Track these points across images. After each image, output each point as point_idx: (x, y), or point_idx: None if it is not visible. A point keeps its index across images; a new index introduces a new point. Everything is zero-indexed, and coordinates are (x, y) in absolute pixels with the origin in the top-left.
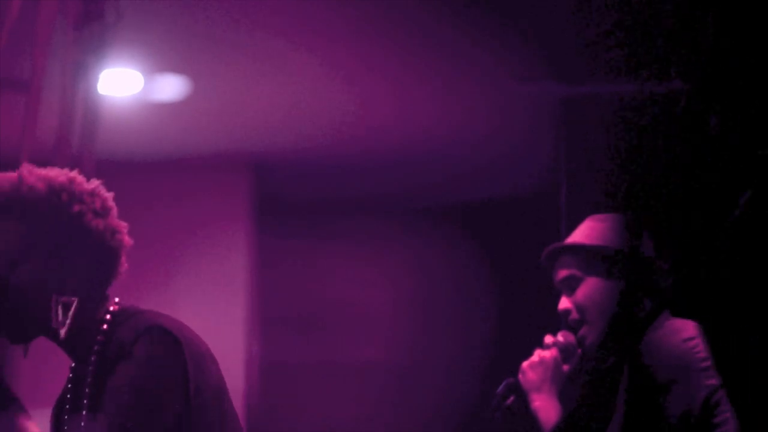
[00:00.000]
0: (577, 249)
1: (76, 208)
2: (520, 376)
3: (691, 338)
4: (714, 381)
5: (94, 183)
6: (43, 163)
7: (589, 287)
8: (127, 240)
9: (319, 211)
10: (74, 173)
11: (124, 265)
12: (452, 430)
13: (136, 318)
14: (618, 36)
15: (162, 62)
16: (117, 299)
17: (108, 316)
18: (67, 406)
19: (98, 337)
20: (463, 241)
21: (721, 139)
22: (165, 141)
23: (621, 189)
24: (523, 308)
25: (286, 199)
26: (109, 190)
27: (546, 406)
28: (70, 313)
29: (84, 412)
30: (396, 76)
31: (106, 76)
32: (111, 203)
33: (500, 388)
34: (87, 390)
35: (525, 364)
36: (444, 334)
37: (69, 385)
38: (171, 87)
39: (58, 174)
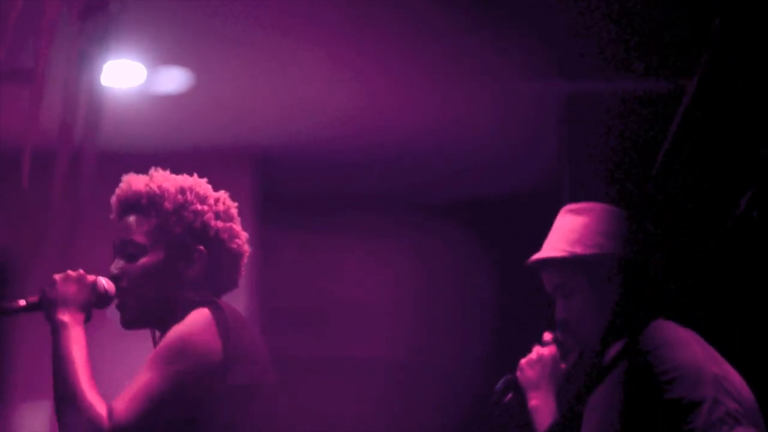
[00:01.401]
0: (555, 261)
1: (199, 206)
2: (518, 373)
3: (658, 347)
4: (677, 393)
5: (221, 192)
6: (47, 154)
7: (580, 293)
8: (246, 248)
9: (322, 206)
10: (203, 180)
11: (242, 274)
12: (454, 427)
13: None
14: (621, 33)
15: (165, 54)
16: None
17: None
18: None
19: None
20: (467, 238)
21: (723, 138)
22: (167, 133)
23: (623, 187)
24: (525, 305)
25: (290, 194)
26: (110, 182)
27: (542, 406)
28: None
29: None
30: (400, 71)
31: (108, 68)
32: (234, 212)
33: (499, 384)
34: None
35: (523, 361)
36: (446, 331)
37: None
38: (174, 79)
39: (186, 177)
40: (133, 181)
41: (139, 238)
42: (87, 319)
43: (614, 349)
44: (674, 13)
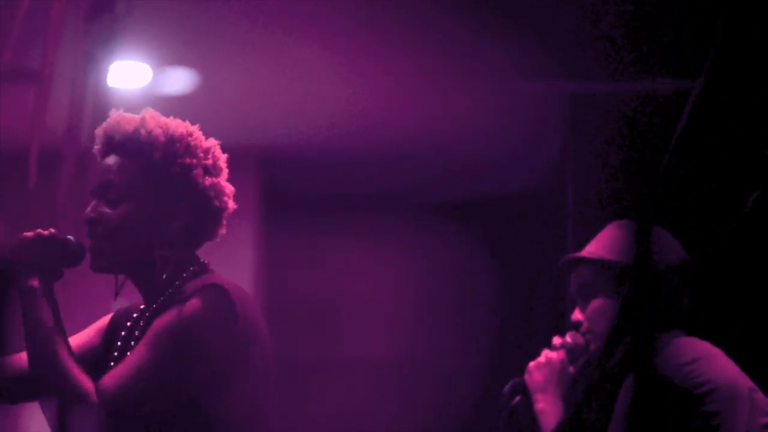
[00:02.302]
0: (590, 261)
1: (187, 160)
2: (526, 376)
3: (690, 362)
4: (713, 407)
5: (212, 142)
6: (52, 155)
7: (601, 300)
8: (231, 204)
9: (325, 206)
10: (194, 127)
11: (223, 228)
12: (457, 427)
13: (207, 277)
14: (624, 34)
15: (170, 55)
16: (206, 261)
17: (192, 267)
18: (115, 353)
19: (176, 283)
20: (469, 238)
21: (728, 139)
22: None
23: (627, 189)
24: (528, 305)
25: (293, 194)
26: None
27: (549, 409)
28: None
29: (115, 352)
30: (403, 71)
31: (114, 69)
32: (223, 164)
33: (506, 387)
34: (136, 332)
35: (532, 364)
36: (447, 330)
37: (122, 332)
38: (179, 80)
39: (178, 125)
40: (123, 121)
41: (122, 183)
42: (58, 278)
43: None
44: (678, 14)
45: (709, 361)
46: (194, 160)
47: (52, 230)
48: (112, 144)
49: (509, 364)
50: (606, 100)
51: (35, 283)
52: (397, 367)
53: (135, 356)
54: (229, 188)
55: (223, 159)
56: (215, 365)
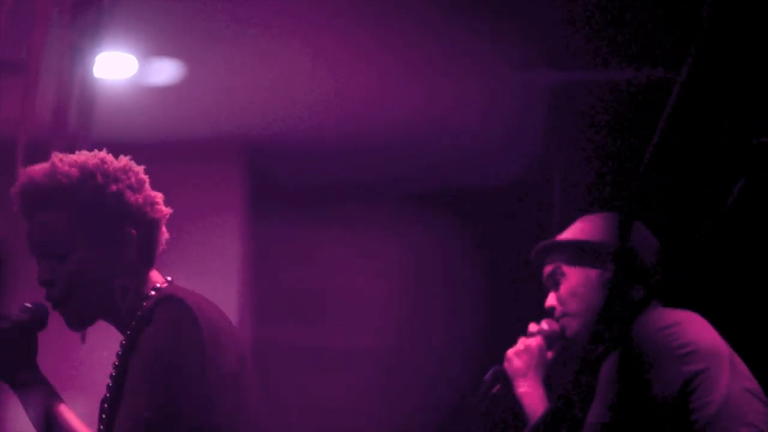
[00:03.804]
0: (562, 245)
1: (113, 187)
2: (505, 363)
3: (667, 327)
4: (693, 366)
5: (123, 160)
6: (40, 146)
7: (572, 280)
8: (166, 210)
9: (313, 197)
10: (103, 153)
11: (165, 234)
12: (445, 417)
13: (164, 291)
14: (609, 23)
15: (156, 46)
16: (169, 278)
17: (152, 292)
18: (107, 394)
19: (137, 313)
20: (456, 229)
21: (714, 127)
22: (159, 124)
23: (611, 177)
24: (515, 296)
25: (281, 185)
26: None
27: (530, 392)
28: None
29: (109, 384)
30: (388, 63)
31: (101, 60)
32: (143, 176)
33: (487, 375)
34: (116, 363)
35: (510, 351)
36: (436, 321)
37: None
38: (165, 71)
39: (88, 157)
40: (35, 175)
41: (61, 237)
42: (36, 348)
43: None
44: (662, 2)
45: (690, 324)
46: (119, 185)
47: (7, 318)
48: (33, 203)
49: (496, 355)
50: (590, 89)
51: (23, 377)
52: (386, 359)
53: (131, 407)
54: (158, 195)
55: (140, 171)
56: (197, 374)
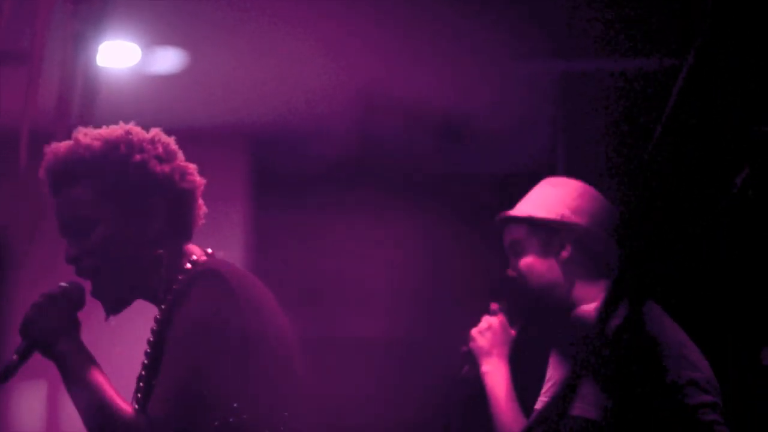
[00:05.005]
0: (520, 219)
1: (137, 157)
2: (471, 343)
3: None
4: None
5: (154, 131)
6: (43, 135)
7: (531, 257)
8: (200, 180)
9: (316, 185)
10: (130, 126)
11: (202, 207)
12: (450, 405)
13: (202, 265)
14: (615, 11)
15: (159, 35)
16: (209, 250)
17: (189, 266)
18: (142, 372)
19: (174, 287)
20: (462, 218)
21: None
22: (162, 113)
23: (618, 166)
24: None
25: (284, 173)
26: None
27: (493, 371)
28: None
29: (144, 361)
30: (393, 51)
31: (104, 49)
32: (174, 147)
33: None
34: (151, 339)
35: (474, 330)
36: (442, 309)
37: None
38: (168, 59)
39: (113, 129)
40: (58, 152)
41: (86, 211)
42: (78, 329)
43: (614, 322)
44: None
45: (676, 329)
46: (144, 155)
47: (43, 292)
48: (58, 180)
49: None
50: (597, 78)
51: (63, 347)
52: (391, 347)
53: (167, 376)
54: (191, 166)
55: (171, 142)
56: (234, 350)
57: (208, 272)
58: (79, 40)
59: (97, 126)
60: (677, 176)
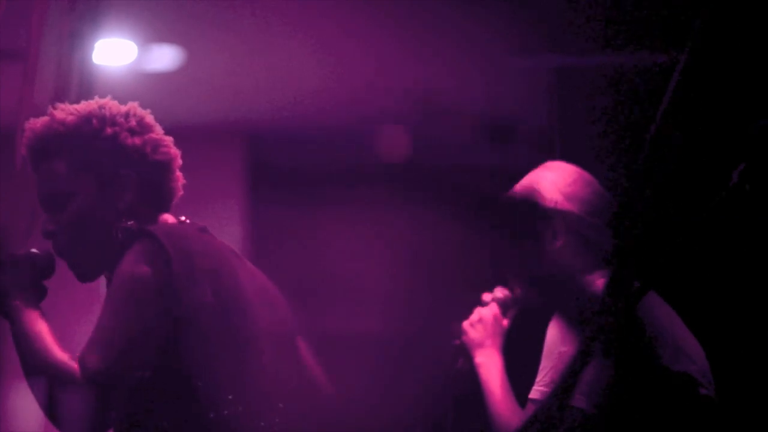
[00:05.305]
0: (514, 204)
1: (109, 130)
2: (463, 337)
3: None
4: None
5: (129, 105)
6: None
7: (524, 241)
8: (174, 151)
9: (313, 182)
10: (105, 100)
11: (180, 179)
12: (447, 403)
13: (143, 228)
14: (611, 5)
15: (155, 32)
16: (183, 218)
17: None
18: None
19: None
20: (458, 212)
21: (715, 111)
22: (158, 111)
23: (614, 161)
24: None
25: (281, 170)
26: None
27: (486, 362)
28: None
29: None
30: (388, 47)
31: (100, 46)
32: (149, 120)
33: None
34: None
35: (465, 323)
36: (439, 304)
37: None
38: (164, 57)
39: (87, 104)
40: (36, 127)
41: (60, 184)
42: (42, 296)
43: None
44: None
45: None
46: (116, 128)
47: (10, 252)
48: (36, 155)
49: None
50: (594, 73)
51: (16, 302)
52: (388, 342)
53: (100, 323)
54: (166, 138)
55: (147, 115)
56: (168, 309)
57: (141, 232)
58: (75, 38)
59: None
60: (674, 171)
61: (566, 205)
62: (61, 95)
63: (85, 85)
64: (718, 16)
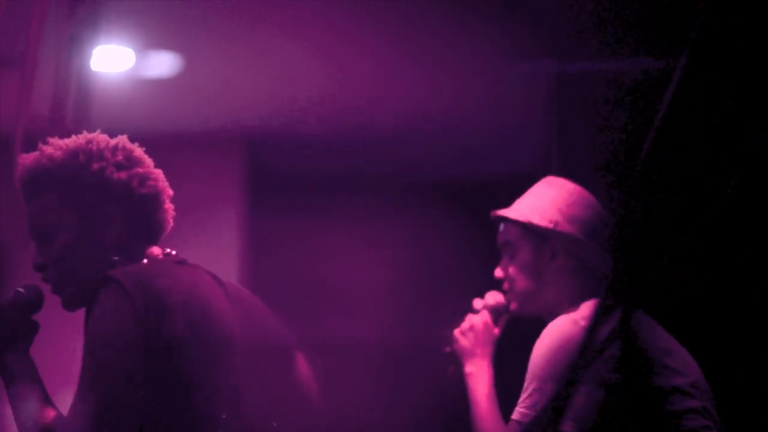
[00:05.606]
0: (515, 222)
1: (95, 165)
2: (454, 344)
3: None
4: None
5: (118, 138)
6: (37, 140)
7: (522, 257)
8: (162, 185)
9: (312, 189)
10: (94, 134)
11: (169, 211)
12: (447, 410)
13: (111, 272)
14: (610, 11)
15: (154, 39)
16: (168, 250)
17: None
18: None
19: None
20: (457, 220)
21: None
22: (157, 117)
23: (613, 169)
24: None
25: (280, 177)
26: None
27: (476, 371)
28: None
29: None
30: (388, 54)
31: (98, 53)
32: (138, 154)
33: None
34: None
35: (456, 331)
36: (438, 314)
37: None
38: (163, 64)
39: (76, 138)
40: (26, 162)
41: (48, 218)
42: (34, 334)
43: (607, 327)
44: None
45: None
46: (102, 163)
47: None
48: (27, 190)
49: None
50: (593, 80)
51: (7, 358)
52: (386, 351)
53: (80, 392)
54: (155, 172)
55: (135, 150)
56: (147, 349)
57: (107, 280)
58: (74, 44)
59: (91, 130)
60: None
61: (566, 227)
62: (59, 102)
63: (83, 92)
64: (717, 22)
